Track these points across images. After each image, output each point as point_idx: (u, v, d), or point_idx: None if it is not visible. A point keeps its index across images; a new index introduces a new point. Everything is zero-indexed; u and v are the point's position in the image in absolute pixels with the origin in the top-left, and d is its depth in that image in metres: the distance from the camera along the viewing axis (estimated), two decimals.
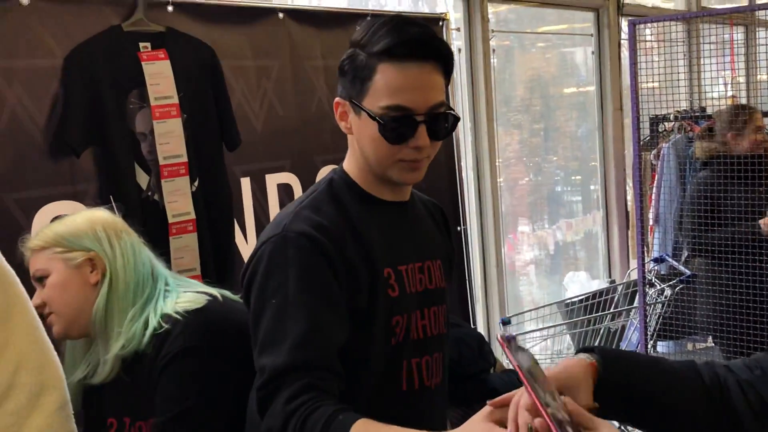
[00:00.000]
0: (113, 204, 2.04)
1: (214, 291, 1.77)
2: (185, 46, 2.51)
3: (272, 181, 2.85)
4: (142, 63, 2.37)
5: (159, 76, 2.39)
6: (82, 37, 2.30)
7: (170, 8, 2.53)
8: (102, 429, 1.70)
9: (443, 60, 1.44)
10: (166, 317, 1.65)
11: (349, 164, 1.52)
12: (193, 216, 2.47)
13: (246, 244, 2.76)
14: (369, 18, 1.51)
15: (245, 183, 2.76)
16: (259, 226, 2.81)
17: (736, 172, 3.49)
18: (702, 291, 3.68)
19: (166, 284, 1.75)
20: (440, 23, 3.56)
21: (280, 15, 2.88)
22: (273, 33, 2.86)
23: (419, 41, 1.40)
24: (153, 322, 1.64)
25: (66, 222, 1.74)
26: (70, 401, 1.44)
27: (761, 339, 3.41)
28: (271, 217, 2.84)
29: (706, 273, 3.67)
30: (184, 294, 1.72)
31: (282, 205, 2.89)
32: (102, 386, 1.69)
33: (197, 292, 1.74)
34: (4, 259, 1.39)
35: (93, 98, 2.29)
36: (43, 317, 1.61)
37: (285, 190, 2.91)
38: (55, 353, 1.43)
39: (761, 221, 3.45)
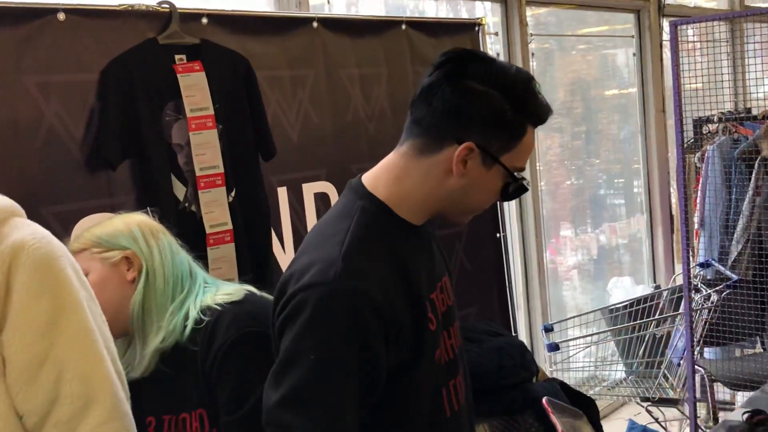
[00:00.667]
0: (149, 210, 2.02)
1: (250, 287, 1.82)
2: (220, 57, 2.51)
3: (309, 190, 2.85)
4: (178, 75, 2.39)
5: (194, 88, 2.40)
6: (118, 51, 2.31)
7: (205, 20, 2.54)
8: (140, 428, 1.71)
9: None
10: (206, 309, 1.67)
11: (399, 192, 1.43)
12: (230, 226, 2.48)
13: (284, 254, 2.76)
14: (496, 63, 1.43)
15: (282, 192, 2.76)
16: (297, 235, 2.81)
17: None
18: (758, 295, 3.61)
19: (204, 282, 1.79)
20: (476, 28, 3.54)
21: (315, 24, 2.88)
22: (307, 42, 2.86)
23: (548, 112, 1.45)
24: (193, 314, 1.67)
25: (103, 223, 1.79)
26: (125, 414, 1.42)
27: None
28: (308, 226, 2.86)
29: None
30: (223, 288, 1.76)
31: (319, 214, 2.88)
32: (140, 384, 1.68)
33: (228, 287, 1.79)
34: (67, 263, 1.39)
35: (129, 111, 2.31)
36: None
37: (322, 199, 2.90)
38: (110, 365, 1.40)
39: None
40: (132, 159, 2.34)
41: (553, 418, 1.06)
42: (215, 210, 2.43)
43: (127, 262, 1.72)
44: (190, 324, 1.66)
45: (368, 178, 1.49)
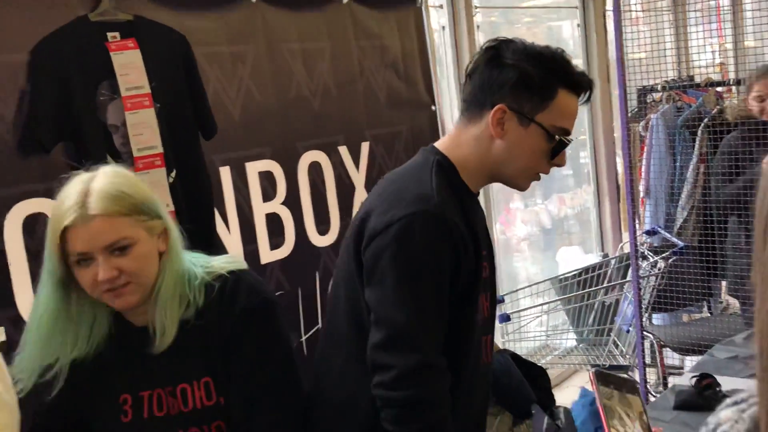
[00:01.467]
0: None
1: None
2: (155, 34, 2.44)
3: (253, 169, 2.80)
4: (111, 53, 2.31)
5: (129, 66, 2.33)
6: (48, 30, 2.23)
7: None
8: (121, 405, 1.64)
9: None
10: (216, 276, 1.63)
11: (459, 156, 1.64)
12: (172, 208, 2.42)
13: (228, 234, 2.72)
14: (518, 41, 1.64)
15: (225, 172, 2.71)
16: (242, 215, 2.76)
17: (757, 136, 3.47)
18: (730, 255, 3.67)
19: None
20: (419, 2, 3.50)
21: None
22: (247, 17, 2.80)
23: (590, 84, 1.65)
24: (206, 279, 1.62)
25: (132, 185, 1.58)
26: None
27: None
28: (254, 206, 2.81)
29: (733, 234, 3.66)
30: (219, 257, 1.72)
31: (265, 193, 2.84)
32: (119, 361, 1.63)
33: (226, 257, 1.75)
34: None
35: (62, 92, 2.23)
36: (113, 289, 1.54)
37: (267, 178, 2.86)
38: None
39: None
40: (66, 141, 2.26)
41: (596, 391, 1.09)
42: (155, 192, 2.37)
43: (164, 232, 1.62)
44: (202, 287, 1.61)
45: (439, 144, 1.69)
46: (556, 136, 1.60)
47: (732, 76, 5.25)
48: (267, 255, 2.86)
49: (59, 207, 1.51)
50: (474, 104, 1.62)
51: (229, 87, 2.74)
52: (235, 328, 1.59)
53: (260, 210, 2.84)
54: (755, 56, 4.57)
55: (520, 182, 1.68)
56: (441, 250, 1.53)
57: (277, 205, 2.90)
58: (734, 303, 4.19)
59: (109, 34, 2.34)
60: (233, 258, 1.72)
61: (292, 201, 2.95)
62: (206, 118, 2.57)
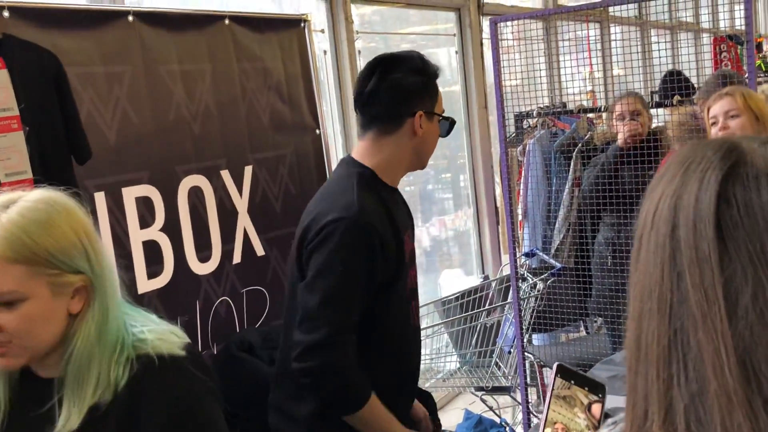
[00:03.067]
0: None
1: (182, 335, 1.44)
2: (25, 53, 2.31)
3: (129, 194, 2.69)
4: None
5: None
6: None
7: (6, 14, 2.34)
8: None
9: None
10: (142, 356, 1.32)
11: (380, 161, 2.02)
12: None
13: None
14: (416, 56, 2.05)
15: (99, 198, 2.59)
16: (118, 243, 2.64)
17: (624, 158, 3.60)
18: (597, 277, 3.77)
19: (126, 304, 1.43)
20: (302, 24, 3.48)
21: (130, 18, 2.72)
22: (123, 37, 2.70)
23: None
24: (131, 353, 1.33)
25: (45, 227, 1.27)
26: None
27: None
28: (131, 233, 2.69)
29: (600, 257, 3.77)
30: (155, 327, 1.40)
31: (142, 219, 2.73)
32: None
33: (164, 329, 1.41)
34: None
35: None
36: None
37: (144, 204, 2.75)
38: None
39: None
40: None
41: (551, 381, 1.12)
42: None
43: (82, 290, 1.31)
44: (127, 372, 1.31)
45: (357, 156, 2.04)
46: (448, 118, 2.08)
47: (601, 103, 5.48)
48: (144, 284, 2.74)
49: None
50: (389, 117, 2.00)
51: (104, 109, 2.62)
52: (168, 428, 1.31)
53: (137, 237, 2.72)
54: (620, 84, 4.79)
55: (425, 163, 2.12)
56: (356, 250, 1.87)
57: (155, 232, 2.79)
58: None
59: None
60: (175, 331, 1.41)
61: (172, 227, 2.85)
62: (79, 141, 2.44)
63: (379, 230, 1.90)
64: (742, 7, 3.28)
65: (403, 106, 2.00)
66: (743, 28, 4.16)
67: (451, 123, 2.10)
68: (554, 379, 1.21)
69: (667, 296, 0.66)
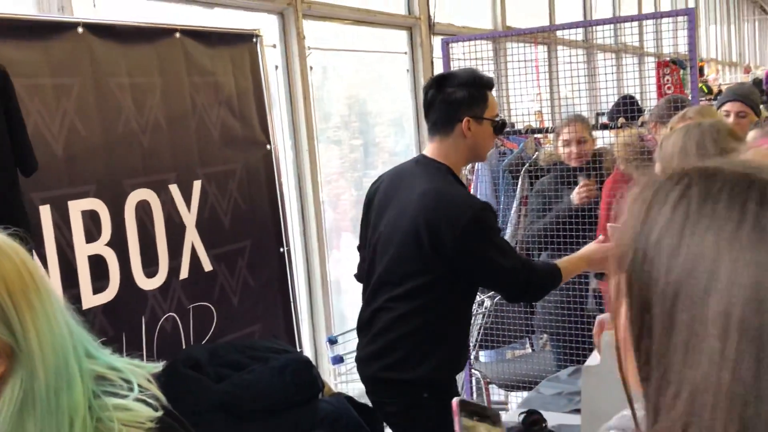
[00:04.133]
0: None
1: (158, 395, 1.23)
2: None
3: (75, 208, 2.64)
4: None
5: None
6: None
7: None
8: None
9: None
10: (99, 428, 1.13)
11: (450, 160, 2.52)
12: None
13: (48, 277, 2.53)
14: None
15: (45, 211, 2.54)
16: (62, 257, 2.59)
17: (565, 179, 3.67)
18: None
19: (88, 354, 1.19)
20: (254, 39, 3.47)
21: (80, 30, 2.68)
22: (72, 48, 2.66)
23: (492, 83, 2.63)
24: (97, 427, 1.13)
25: None
26: None
27: (589, 340, 3.56)
28: (76, 247, 2.64)
29: None
30: (122, 403, 1.17)
31: (88, 233, 2.68)
32: None
33: (136, 399, 1.18)
34: None
35: None
36: None
37: (91, 218, 2.70)
38: None
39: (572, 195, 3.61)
40: None
41: (456, 421, 1.08)
42: None
43: (11, 354, 1.10)
44: None
45: (433, 156, 2.55)
46: (496, 120, 2.54)
47: (548, 124, 5.58)
48: (89, 299, 2.69)
49: None
50: (443, 123, 2.51)
51: (51, 121, 2.58)
52: None
53: (83, 251, 2.67)
54: (566, 105, 4.88)
55: (483, 157, 2.80)
56: (495, 228, 2.50)
57: (101, 247, 2.75)
58: None
59: None
60: (154, 396, 1.21)
61: (118, 242, 2.80)
62: (26, 153, 2.39)
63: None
64: (685, 33, 3.37)
65: (453, 114, 2.49)
66: (686, 52, 4.28)
67: (501, 123, 2.57)
68: (458, 416, 1.19)
69: (737, 389, 0.59)
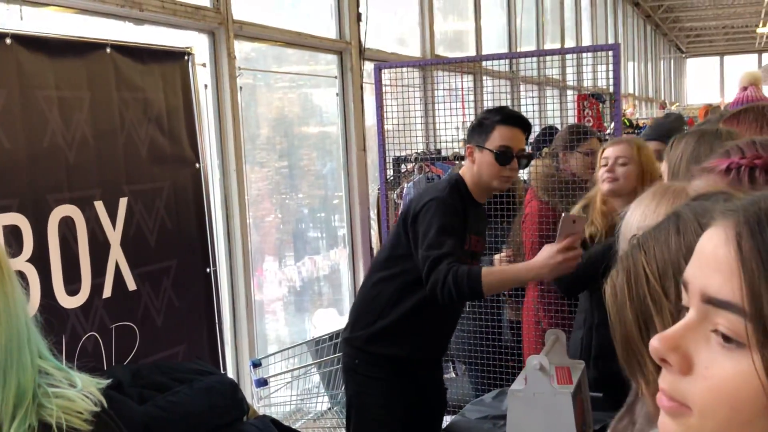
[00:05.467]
0: None
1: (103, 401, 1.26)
2: None
3: None
4: None
5: None
6: None
7: None
8: None
9: (526, 129, 2.83)
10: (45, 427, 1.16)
11: (468, 179, 2.77)
12: None
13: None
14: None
15: None
16: None
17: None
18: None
19: (39, 355, 1.24)
20: (185, 57, 3.45)
21: (8, 41, 2.62)
22: None
23: (517, 118, 2.82)
24: (34, 426, 1.16)
25: None
26: None
27: (505, 370, 3.62)
28: None
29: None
30: (64, 392, 1.22)
31: (9, 249, 2.60)
32: None
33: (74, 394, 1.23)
34: None
35: None
36: None
37: (12, 233, 2.62)
38: None
39: (494, 257, 3.68)
40: None
41: None
42: None
43: None
44: None
45: (460, 171, 2.82)
46: (493, 150, 2.69)
47: None
48: None
49: None
50: (467, 147, 2.83)
51: None
52: None
53: None
54: None
55: (493, 185, 2.79)
56: (447, 213, 2.61)
57: (22, 263, 2.66)
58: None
59: None
60: (89, 394, 1.23)
61: (40, 258, 2.72)
62: None
63: (458, 210, 2.65)
64: (604, 68, 3.50)
65: (467, 141, 2.85)
66: (605, 86, 4.43)
67: (500, 152, 2.69)
68: None
69: None
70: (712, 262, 0.66)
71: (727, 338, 0.64)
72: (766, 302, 0.62)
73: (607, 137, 4.42)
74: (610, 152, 2.97)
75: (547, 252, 2.41)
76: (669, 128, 3.96)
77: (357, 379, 2.80)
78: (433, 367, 2.99)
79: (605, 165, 2.96)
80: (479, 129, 2.73)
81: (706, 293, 0.66)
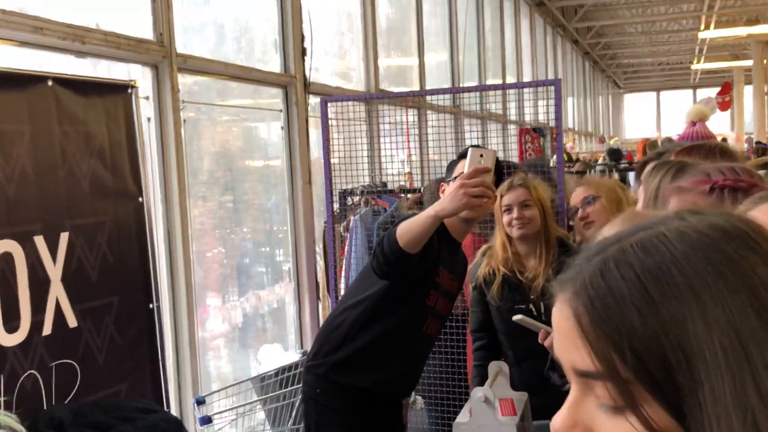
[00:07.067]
0: None
1: None
2: None
3: None
4: None
5: None
6: None
7: None
8: None
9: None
10: None
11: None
12: None
13: None
14: None
15: None
16: None
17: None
18: None
19: None
20: (129, 90, 3.41)
21: None
22: None
23: (476, 147, 2.65)
24: None
25: None
26: None
27: (461, 398, 3.61)
28: None
29: None
30: None
31: None
32: None
33: None
34: None
35: None
36: None
37: None
38: None
39: None
40: None
41: None
42: None
43: None
44: None
45: None
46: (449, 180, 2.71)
47: (418, 184, 5.73)
48: None
49: None
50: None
51: None
52: None
53: None
54: (434, 167, 5.04)
55: (473, 213, 2.55)
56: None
57: None
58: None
59: None
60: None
61: None
62: None
63: (431, 236, 2.47)
64: (545, 102, 3.58)
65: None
66: (545, 121, 4.52)
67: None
68: None
69: None
70: (566, 338, 0.69)
71: (606, 406, 0.66)
72: (619, 363, 0.64)
73: (550, 170, 4.50)
74: (510, 198, 2.98)
75: (451, 186, 2.49)
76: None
77: (317, 409, 2.74)
78: (393, 405, 2.93)
79: (508, 211, 2.98)
80: (447, 169, 2.82)
81: (576, 368, 0.69)
